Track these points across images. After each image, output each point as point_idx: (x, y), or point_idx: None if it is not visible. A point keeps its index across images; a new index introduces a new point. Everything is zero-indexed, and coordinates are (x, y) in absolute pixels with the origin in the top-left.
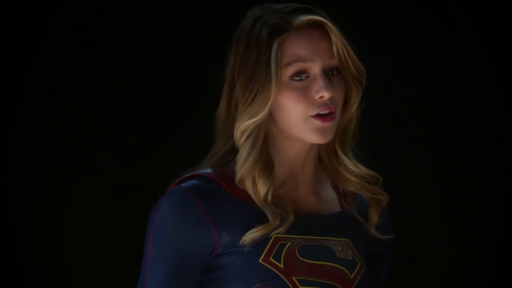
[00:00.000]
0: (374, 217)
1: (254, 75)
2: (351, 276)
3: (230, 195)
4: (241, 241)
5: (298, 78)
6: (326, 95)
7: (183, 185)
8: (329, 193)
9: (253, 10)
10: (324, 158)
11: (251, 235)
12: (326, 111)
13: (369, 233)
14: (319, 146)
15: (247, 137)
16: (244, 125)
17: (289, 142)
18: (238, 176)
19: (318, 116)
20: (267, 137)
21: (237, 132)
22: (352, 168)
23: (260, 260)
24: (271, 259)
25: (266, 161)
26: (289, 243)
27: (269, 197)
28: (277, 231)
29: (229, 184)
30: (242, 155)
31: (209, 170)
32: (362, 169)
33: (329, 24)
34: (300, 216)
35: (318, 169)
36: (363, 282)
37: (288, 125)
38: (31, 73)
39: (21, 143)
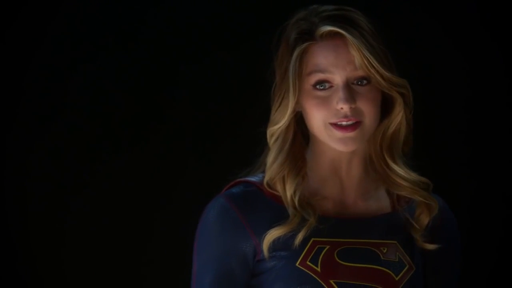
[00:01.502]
0: (423, 221)
1: (282, 81)
2: (397, 278)
3: (269, 199)
4: (262, 243)
5: (321, 87)
6: (345, 107)
7: (225, 192)
8: (382, 197)
9: (300, 10)
10: (374, 164)
11: (269, 235)
12: (347, 122)
13: (415, 237)
14: (368, 151)
15: (275, 141)
16: (271, 130)
17: (325, 145)
18: (266, 178)
19: (338, 126)
20: (303, 140)
21: (268, 136)
22: (403, 174)
23: (297, 264)
24: (308, 262)
25: (294, 163)
26: (327, 247)
27: (296, 198)
28: (302, 232)
29: (270, 189)
30: (270, 158)
31: (256, 176)
32: (413, 175)
33: (350, 36)
34: (344, 219)
35: (370, 173)
36: (412, 284)
37: (313, 130)
38: (37, 76)
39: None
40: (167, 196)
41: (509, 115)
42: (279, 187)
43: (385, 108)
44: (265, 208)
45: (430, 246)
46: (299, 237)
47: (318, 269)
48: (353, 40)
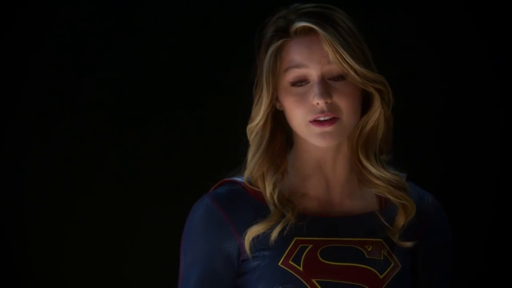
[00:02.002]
0: (399, 222)
1: (259, 79)
2: (381, 276)
3: (253, 199)
4: (243, 241)
5: (298, 84)
6: (320, 102)
7: (211, 192)
8: (369, 195)
9: (280, 8)
10: (352, 162)
11: (249, 233)
12: (325, 118)
13: (394, 237)
14: (350, 150)
15: (253, 138)
16: (249, 128)
17: (308, 143)
18: (245, 175)
19: (316, 121)
20: (283, 138)
21: (247, 133)
22: (376, 172)
23: (279, 263)
24: (290, 262)
25: (273, 160)
26: (310, 246)
27: (275, 195)
28: (277, 228)
29: (252, 186)
30: (249, 154)
31: (242, 176)
32: (386, 174)
33: (323, 31)
34: (328, 218)
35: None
36: (398, 282)
37: (294, 128)
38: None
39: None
40: (164, 196)
41: (495, 113)
42: (260, 185)
43: (365, 105)
44: (249, 207)
45: (408, 244)
46: (274, 233)
47: (301, 268)
48: (325, 36)
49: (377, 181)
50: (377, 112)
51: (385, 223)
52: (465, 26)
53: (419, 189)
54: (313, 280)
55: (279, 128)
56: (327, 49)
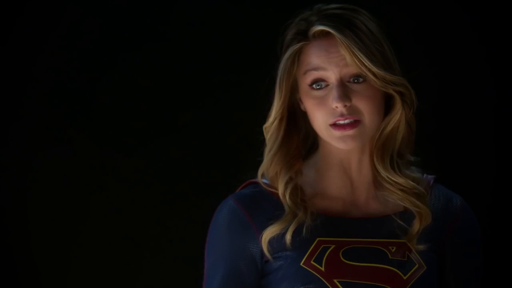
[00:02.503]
0: (414, 228)
1: (276, 80)
2: (405, 277)
3: (276, 200)
4: (260, 240)
5: (317, 86)
6: (339, 105)
7: (235, 193)
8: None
9: (303, 10)
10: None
11: (265, 234)
12: (344, 121)
13: (410, 241)
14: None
15: (268, 138)
16: (265, 127)
17: (331, 145)
18: (258, 174)
19: (336, 125)
20: (300, 138)
21: (264, 133)
22: (385, 174)
23: (301, 264)
24: (312, 262)
25: (286, 160)
26: (332, 246)
27: (287, 195)
28: (291, 230)
29: (270, 188)
30: (265, 153)
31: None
32: (399, 179)
33: (340, 35)
34: (353, 219)
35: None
36: (422, 284)
37: (316, 130)
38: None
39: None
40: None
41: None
42: (275, 185)
43: (388, 107)
44: (271, 208)
45: (420, 247)
46: (288, 234)
47: (322, 269)
48: (342, 39)
49: (387, 185)
50: (398, 114)
51: (405, 225)
52: (459, 24)
53: (447, 191)
54: (335, 281)
55: (295, 128)
56: (344, 52)
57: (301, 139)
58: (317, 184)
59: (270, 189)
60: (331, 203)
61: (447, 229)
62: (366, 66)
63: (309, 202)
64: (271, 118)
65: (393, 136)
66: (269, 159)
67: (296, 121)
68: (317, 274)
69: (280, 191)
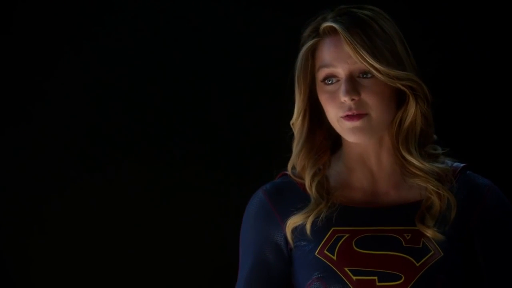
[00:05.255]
0: (434, 212)
1: (295, 77)
2: (418, 264)
3: (302, 191)
4: (284, 229)
5: (329, 82)
6: (346, 99)
7: (265, 185)
8: (415, 187)
9: (325, 10)
10: (395, 156)
11: (289, 224)
12: (351, 114)
13: (428, 224)
14: (392, 145)
15: (296, 133)
16: (292, 123)
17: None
18: (288, 167)
19: (346, 117)
20: (326, 131)
21: (292, 128)
22: (417, 164)
23: (316, 253)
24: (325, 251)
25: (313, 153)
26: (346, 235)
27: (313, 187)
28: (311, 220)
29: (300, 179)
30: (293, 147)
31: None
32: (427, 165)
33: (343, 32)
34: (371, 208)
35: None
36: (438, 270)
37: (331, 123)
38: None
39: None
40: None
41: None
42: (303, 177)
43: (402, 101)
44: (297, 199)
45: (437, 234)
46: (308, 224)
47: (334, 258)
48: (346, 36)
49: (417, 172)
50: (412, 108)
51: (424, 212)
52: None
53: (476, 177)
54: (345, 269)
55: (319, 122)
56: (348, 48)
57: (325, 133)
58: (343, 176)
59: (299, 180)
60: (353, 194)
61: (473, 213)
62: (368, 62)
63: (334, 194)
64: (295, 114)
65: (413, 129)
66: (296, 153)
67: (320, 115)
68: (328, 263)
69: (307, 183)
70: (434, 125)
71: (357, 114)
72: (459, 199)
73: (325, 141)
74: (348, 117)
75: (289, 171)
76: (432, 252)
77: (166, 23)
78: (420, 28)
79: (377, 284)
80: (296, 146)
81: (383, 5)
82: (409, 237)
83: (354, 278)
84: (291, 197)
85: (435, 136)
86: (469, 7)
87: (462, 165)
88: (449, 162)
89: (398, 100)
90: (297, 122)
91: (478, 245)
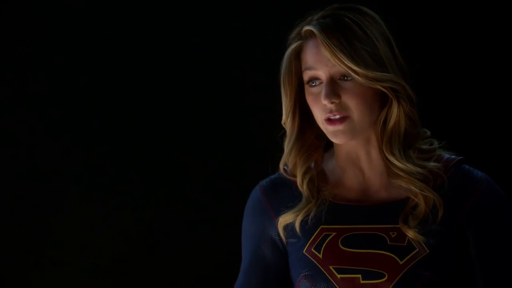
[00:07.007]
0: (419, 213)
1: (281, 78)
2: (401, 262)
3: (295, 188)
4: (277, 225)
5: (313, 84)
6: (326, 102)
7: (261, 181)
8: (403, 186)
9: (313, 11)
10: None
11: (280, 222)
12: (334, 117)
13: (411, 224)
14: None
15: (287, 132)
16: (283, 122)
17: None
18: (280, 164)
19: (329, 120)
20: (317, 130)
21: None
22: (399, 165)
23: (304, 251)
24: (312, 249)
25: (303, 152)
26: (333, 234)
27: (304, 184)
28: (300, 219)
29: (293, 176)
30: (284, 146)
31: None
32: (410, 166)
33: (320, 35)
34: (359, 206)
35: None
36: (422, 268)
37: (318, 123)
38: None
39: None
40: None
41: None
42: (296, 173)
43: (385, 102)
44: (291, 195)
45: (418, 234)
46: (297, 222)
47: (320, 256)
48: (323, 39)
49: (401, 173)
50: (395, 109)
51: (410, 211)
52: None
53: (470, 170)
54: (330, 267)
55: (308, 123)
56: (325, 52)
57: (316, 131)
58: (336, 174)
59: (292, 178)
60: (344, 192)
61: (465, 206)
62: (346, 65)
63: (325, 191)
64: (284, 115)
65: (397, 129)
66: (288, 151)
67: (310, 115)
68: (315, 261)
69: (298, 180)
70: (434, 121)
71: (339, 118)
72: (451, 193)
73: (316, 139)
74: (330, 121)
75: (280, 169)
76: (417, 249)
77: (158, 25)
78: (417, 27)
79: (361, 282)
80: (287, 144)
81: (380, 5)
82: (394, 235)
83: (339, 276)
84: (286, 194)
85: (428, 132)
86: (468, 7)
87: (457, 158)
88: (445, 155)
89: (382, 101)
90: (287, 121)
91: (471, 238)
